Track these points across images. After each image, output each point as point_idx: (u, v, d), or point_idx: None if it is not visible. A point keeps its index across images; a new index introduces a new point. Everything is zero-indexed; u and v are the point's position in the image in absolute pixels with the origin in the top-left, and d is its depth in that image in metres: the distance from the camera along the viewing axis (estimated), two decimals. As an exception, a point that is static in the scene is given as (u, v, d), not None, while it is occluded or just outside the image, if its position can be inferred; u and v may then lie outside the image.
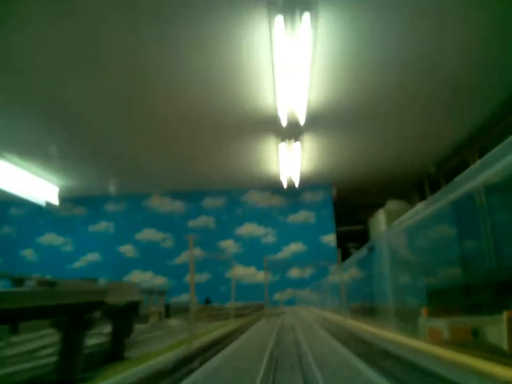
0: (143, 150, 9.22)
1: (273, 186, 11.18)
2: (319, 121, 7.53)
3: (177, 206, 11.62)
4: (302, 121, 6.99)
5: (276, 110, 6.87)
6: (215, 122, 7.71)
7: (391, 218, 9.75)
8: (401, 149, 9.47)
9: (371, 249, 5.84)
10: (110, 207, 11.67)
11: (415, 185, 11.51)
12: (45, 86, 6.49)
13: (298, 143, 7.98)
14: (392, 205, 10.00)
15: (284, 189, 10.82)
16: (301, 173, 9.93)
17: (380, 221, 10.02)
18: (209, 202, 11.58)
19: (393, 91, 6.95)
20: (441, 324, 4.03)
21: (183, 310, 6.19)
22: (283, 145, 8.09)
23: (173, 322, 5.89)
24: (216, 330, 4.70)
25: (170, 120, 7.78)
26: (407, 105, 7.44)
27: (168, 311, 5.89)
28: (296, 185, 10.31)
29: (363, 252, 6.23)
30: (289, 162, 8.91)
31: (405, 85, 6.79)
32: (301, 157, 8.78)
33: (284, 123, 6.97)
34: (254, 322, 5.92)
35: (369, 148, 9.25)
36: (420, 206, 3.89)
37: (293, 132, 7.65)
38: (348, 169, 10.47)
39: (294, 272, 10.88)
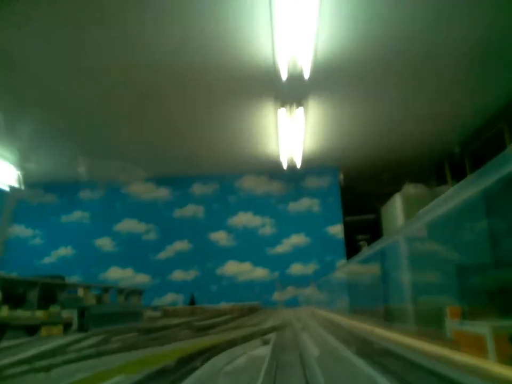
0: (122, 128, 7.91)
1: (271, 170, 9.77)
2: (327, 79, 6.13)
3: (162, 193, 10.21)
4: (306, 74, 5.57)
5: (274, 60, 5.47)
6: (201, 86, 6.33)
7: (409, 204, 8.39)
8: (420, 124, 8.09)
9: None
10: (85, 194, 10.25)
11: (433, 169, 10.13)
12: (4, 44, 5.18)
13: (301, 109, 6.57)
14: (410, 189, 8.59)
15: (284, 171, 9.41)
16: (303, 152, 8.53)
17: (395, 208, 8.62)
18: (198, 189, 10.17)
19: (416, 47, 5.61)
20: (483, 329, 2.79)
21: (116, 317, 4.42)
22: (283, 112, 6.68)
23: (49, 343, 2.88)
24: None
25: (151, 92, 6.52)
26: (430, 68, 6.11)
27: (84, 321, 3.72)
28: (298, 166, 8.89)
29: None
30: (290, 135, 7.50)
31: (430, 41, 5.46)
32: (304, 129, 7.37)
33: (284, 76, 5.55)
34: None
35: (382, 122, 7.88)
36: (451, 190, 2.76)
37: (295, 93, 6.25)
38: (357, 149, 9.07)
39: (296, 268, 9.46)
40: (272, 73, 5.71)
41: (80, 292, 4.64)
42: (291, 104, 6.49)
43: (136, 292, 6.55)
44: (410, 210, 8.15)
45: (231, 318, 4.39)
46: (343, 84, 6.39)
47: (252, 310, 6.29)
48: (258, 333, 2.69)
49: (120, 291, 6.13)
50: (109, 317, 3.94)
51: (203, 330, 3.00)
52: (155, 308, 7.08)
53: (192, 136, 8.22)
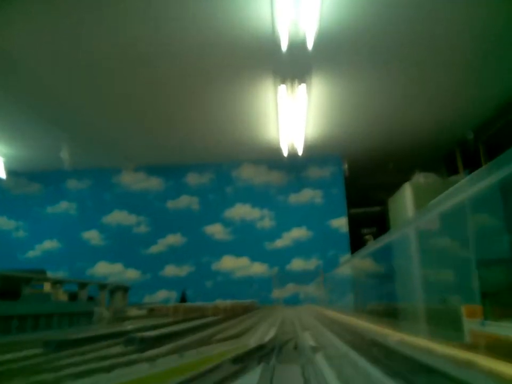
0: (111, 113, 7.35)
1: (271, 158, 9.13)
2: (332, 52, 5.50)
3: (154, 183, 9.58)
4: (310, 44, 4.93)
5: (274, 27, 4.82)
6: (194, 63, 5.70)
7: (419, 194, 7.78)
8: (430, 108, 7.48)
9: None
10: (72, 184, 9.63)
11: (442, 158, 9.49)
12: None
13: (303, 86, 5.93)
14: (420, 178, 7.97)
15: (284, 160, 8.78)
16: (305, 138, 7.89)
17: (404, 199, 8.00)
18: (192, 178, 9.54)
19: (430, 21, 5.00)
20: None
21: (31, 319, 3.32)
22: (283, 91, 6.04)
23: None
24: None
25: (142, 75, 5.97)
26: (444, 46, 5.53)
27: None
28: (300, 154, 8.25)
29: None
30: (291, 118, 6.87)
31: (446, 16, 4.87)
32: (307, 110, 6.73)
33: (285, 46, 4.91)
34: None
35: (390, 105, 7.28)
36: (466, 180, 2.46)
37: (297, 67, 5.61)
38: (362, 136, 8.44)
39: (296, 264, 8.84)
40: (272, 43, 5.05)
41: (47, 287, 4.03)
42: (292, 81, 5.84)
43: (120, 288, 5.91)
44: (421, 201, 7.56)
45: (209, 323, 3.58)
46: (349, 58, 5.75)
47: (245, 309, 5.60)
48: (224, 372, 1.36)
49: (102, 287, 5.50)
50: (23, 319, 3.03)
51: (143, 347, 2.12)
52: (141, 306, 6.46)
53: (186, 121, 7.58)
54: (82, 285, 5.00)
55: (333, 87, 6.44)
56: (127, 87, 6.40)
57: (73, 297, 4.82)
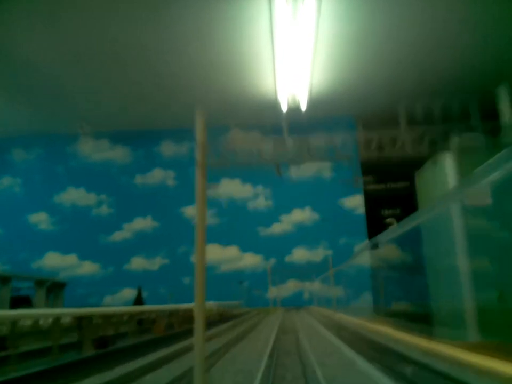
0: (66, 64, 5.66)
1: (264, 120, 7.20)
2: None
3: (119, 153, 7.73)
4: None
5: None
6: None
7: (464, 162, 5.95)
8: (469, 48, 5.65)
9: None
10: (17, 154, 7.74)
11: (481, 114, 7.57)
12: None
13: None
14: (462, 141, 6.05)
15: (282, 122, 6.83)
16: (310, 91, 6.00)
17: (442, 167, 6.15)
18: (167, 147, 7.68)
19: None
20: None
21: None
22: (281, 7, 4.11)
23: None
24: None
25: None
26: None
27: None
28: (303, 109, 6.34)
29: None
30: (292, 53, 4.95)
31: None
32: (314, 44, 4.81)
33: None
34: None
35: (419, 46, 5.46)
36: None
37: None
38: (383, 90, 6.56)
39: (299, 254, 6.95)
40: None
41: None
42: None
43: (42, 283, 3.99)
44: (465, 169, 5.79)
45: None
46: None
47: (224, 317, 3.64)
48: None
49: (4, 280, 3.60)
50: None
51: None
52: (74, 310, 4.58)
53: (159, 68, 5.75)
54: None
55: (349, 9, 4.52)
56: (84, 28, 4.67)
57: None
